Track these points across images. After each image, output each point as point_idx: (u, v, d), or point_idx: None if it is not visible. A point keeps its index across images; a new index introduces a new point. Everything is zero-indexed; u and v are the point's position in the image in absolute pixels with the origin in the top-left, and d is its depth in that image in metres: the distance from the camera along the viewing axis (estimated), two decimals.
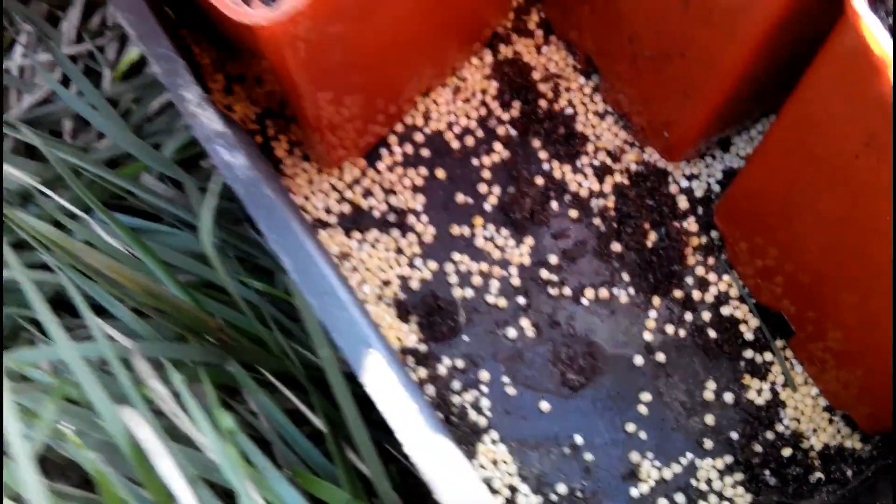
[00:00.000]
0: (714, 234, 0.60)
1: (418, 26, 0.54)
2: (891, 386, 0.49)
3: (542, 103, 0.62)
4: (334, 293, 0.43)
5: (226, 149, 0.45)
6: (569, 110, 0.62)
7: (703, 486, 0.56)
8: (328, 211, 0.60)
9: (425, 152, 0.61)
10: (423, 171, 0.61)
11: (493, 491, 0.56)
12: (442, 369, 0.58)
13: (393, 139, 0.61)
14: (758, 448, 0.56)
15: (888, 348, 0.47)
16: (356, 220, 0.60)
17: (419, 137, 0.61)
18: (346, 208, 0.60)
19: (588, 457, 0.57)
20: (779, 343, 0.58)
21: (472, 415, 0.57)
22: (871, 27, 0.36)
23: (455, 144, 0.61)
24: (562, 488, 0.56)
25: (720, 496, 0.56)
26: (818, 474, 0.55)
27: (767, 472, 0.55)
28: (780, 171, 0.50)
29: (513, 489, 0.56)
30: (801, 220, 0.50)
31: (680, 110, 0.56)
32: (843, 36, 0.40)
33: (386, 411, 0.41)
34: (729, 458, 0.56)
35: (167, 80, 0.47)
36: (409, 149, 0.61)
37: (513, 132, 0.61)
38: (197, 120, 0.46)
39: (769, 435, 0.57)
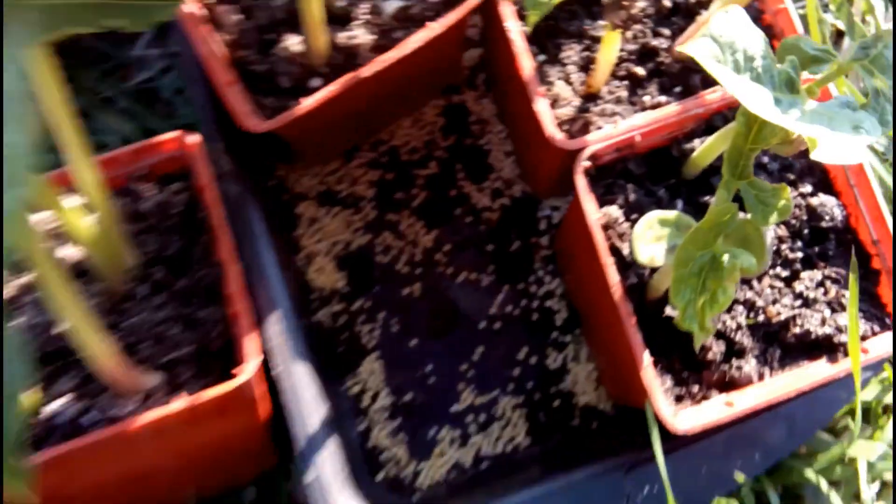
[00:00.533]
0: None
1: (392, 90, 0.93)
2: (620, 375, 0.83)
3: (470, 139, 0.97)
4: None
5: None
6: (486, 147, 0.96)
7: (499, 413, 0.89)
8: (311, 188, 0.97)
9: (383, 159, 0.97)
10: (379, 172, 0.97)
11: (364, 390, 0.92)
12: (355, 306, 0.95)
13: (365, 147, 0.98)
14: (540, 396, 0.89)
15: (617, 356, 0.82)
16: (327, 198, 0.97)
17: (383, 148, 0.98)
18: (323, 188, 0.97)
19: (432, 380, 0.91)
20: (577, 331, 0.90)
21: (366, 339, 0.94)
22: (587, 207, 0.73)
23: (404, 157, 0.97)
24: (409, 397, 0.91)
25: (508, 421, 0.89)
26: (576, 421, 0.88)
27: (542, 414, 0.88)
28: (568, 232, 0.86)
29: (377, 391, 0.91)
30: (576, 263, 0.85)
31: (534, 175, 0.92)
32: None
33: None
34: (521, 398, 0.89)
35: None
36: (373, 155, 0.98)
37: (445, 155, 0.97)
38: None
39: (552, 389, 0.89)
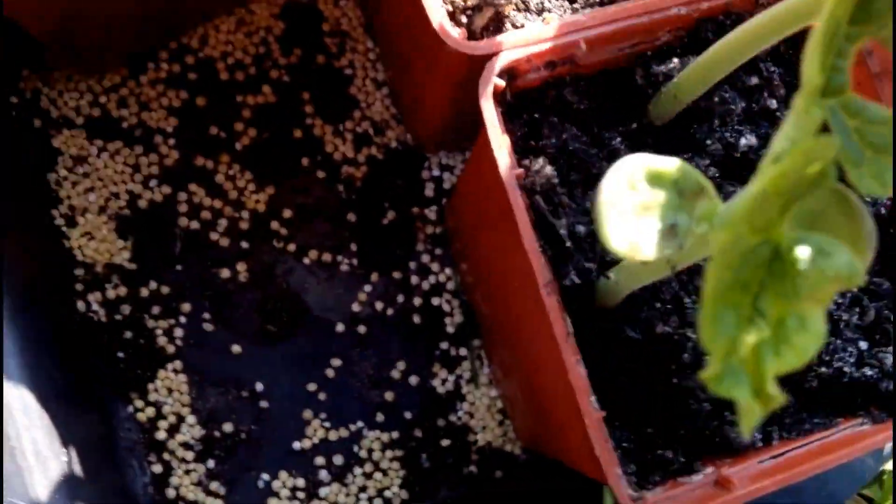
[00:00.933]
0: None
1: None
2: (541, 414, 0.62)
3: (322, 57, 0.72)
4: None
5: None
6: (348, 71, 0.72)
7: (364, 454, 0.68)
8: (78, 111, 0.70)
9: (192, 76, 0.71)
10: (184, 94, 0.70)
11: (161, 416, 0.67)
12: (145, 292, 0.68)
13: (164, 55, 0.71)
14: (423, 432, 0.69)
15: (539, 390, 0.60)
16: (103, 127, 0.70)
17: (190, 59, 0.71)
18: (97, 112, 0.70)
19: (263, 404, 0.68)
20: (476, 342, 0.70)
21: (162, 341, 0.67)
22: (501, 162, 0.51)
23: (224, 76, 0.71)
24: (228, 427, 0.67)
25: (376, 465, 0.68)
26: (472, 468, 0.68)
27: (425, 456, 0.67)
28: (467, 200, 0.64)
29: (180, 418, 0.67)
30: (478, 244, 0.64)
31: (416, 113, 0.71)
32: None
33: None
34: (395, 434, 0.68)
35: None
36: (176, 68, 0.71)
37: (286, 78, 0.72)
38: None
39: (440, 422, 0.69)
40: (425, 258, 0.71)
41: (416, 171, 0.72)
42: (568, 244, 0.50)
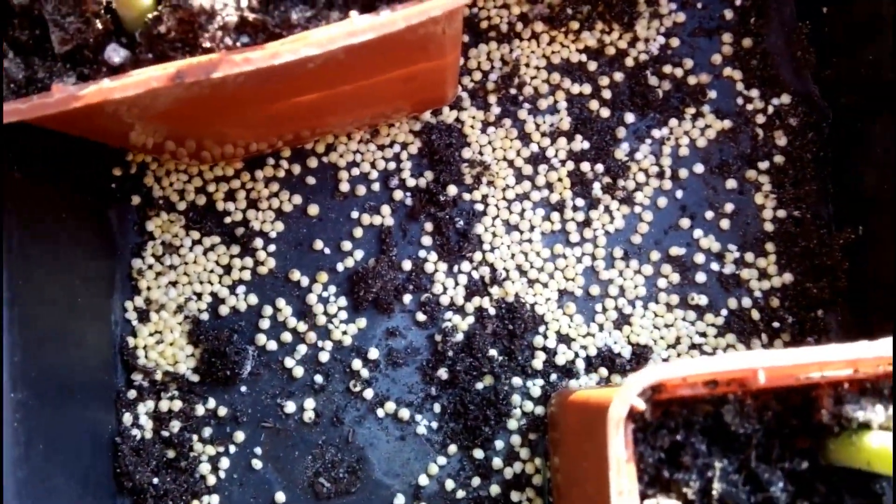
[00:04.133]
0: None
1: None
2: None
3: (454, 187, 0.66)
4: None
5: None
6: (479, 206, 0.66)
7: None
8: (182, 195, 0.67)
9: (310, 180, 0.66)
10: (297, 198, 0.66)
11: None
12: (201, 409, 0.63)
13: (286, 152, 0.67)
14: None
15: None
16: (204, 218, 0.67)
17: (312, 162, 0.67)
18: (202, 201, 0.66)
19: None
20: None
21: (205, 469, 0.62)
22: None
23: (344, 187, 0.66)
24: None
25: None
26: None
27: None
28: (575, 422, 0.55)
29: None
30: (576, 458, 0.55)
31: None
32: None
33: None
34: None
35: None
36: (296, 169, 0.67)
37: (409, 201, 0.66)
38: None
39: None
40: (515, 440, 0.62)
41: (529, 336, 0.62)
42: None
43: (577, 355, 0.64)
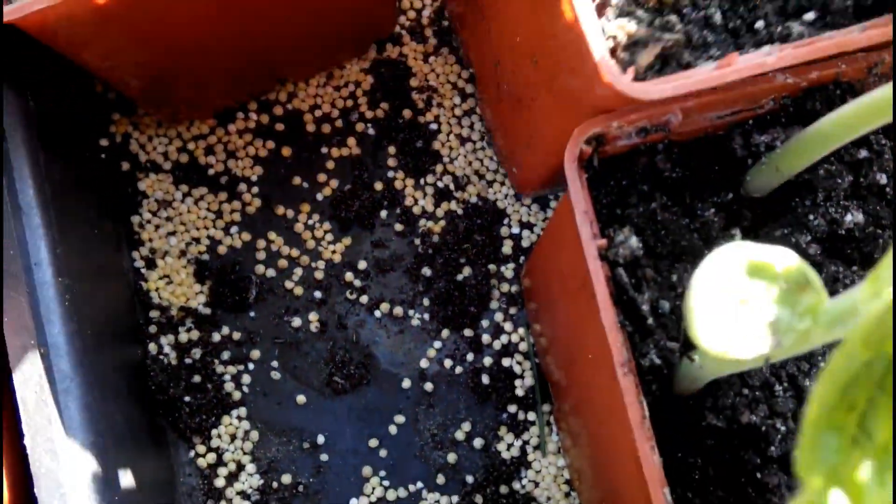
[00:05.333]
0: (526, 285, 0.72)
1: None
2: (598, 490, 0.62)
3: (408, 112, 0.75)
4: None
5: None
6: (433, 125, 0.75)
7: None
8: (165, 156, 0.74)
9: (279, 126, 0.75)
10: (271, 144, 0.74)
11: (222, 463, 0.69)
12: (217, 336, 0.71)
13: (252, 106, 0.75)
14: (484, 499, 0.68)
15: (610, 468, 0.59)
16: (189, 173, 0.74)
17: (278, 111, 0.75)
18: (185, 158, 0.74)
19: (324, 457, 0.69)
20: (545, 408, 0.70)
21: (230, 387, 0.70)
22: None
23: (310, 127, 0.75)
24: (287, 478, 0.69)
25: None
26: None
27: None
28: (546, 264, 0.64)
29: (240, 466, 0.69)
30: (554, 309, 0.64)
31: (524, 153, 0.69)
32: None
33: None
34: (455, 498, 0.68)
35: None
36: (264, 119, 0.75)
37: (371, 131, 0.75)
38: None
39: (503, 489, 0.68)
40: (499, 317, 0.70)
41: (495, 228, 0.72)
42: (650, 321, 0.48)
43: (538, 236, 0.74)
